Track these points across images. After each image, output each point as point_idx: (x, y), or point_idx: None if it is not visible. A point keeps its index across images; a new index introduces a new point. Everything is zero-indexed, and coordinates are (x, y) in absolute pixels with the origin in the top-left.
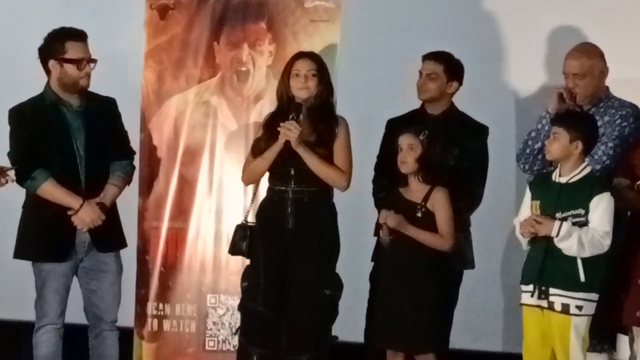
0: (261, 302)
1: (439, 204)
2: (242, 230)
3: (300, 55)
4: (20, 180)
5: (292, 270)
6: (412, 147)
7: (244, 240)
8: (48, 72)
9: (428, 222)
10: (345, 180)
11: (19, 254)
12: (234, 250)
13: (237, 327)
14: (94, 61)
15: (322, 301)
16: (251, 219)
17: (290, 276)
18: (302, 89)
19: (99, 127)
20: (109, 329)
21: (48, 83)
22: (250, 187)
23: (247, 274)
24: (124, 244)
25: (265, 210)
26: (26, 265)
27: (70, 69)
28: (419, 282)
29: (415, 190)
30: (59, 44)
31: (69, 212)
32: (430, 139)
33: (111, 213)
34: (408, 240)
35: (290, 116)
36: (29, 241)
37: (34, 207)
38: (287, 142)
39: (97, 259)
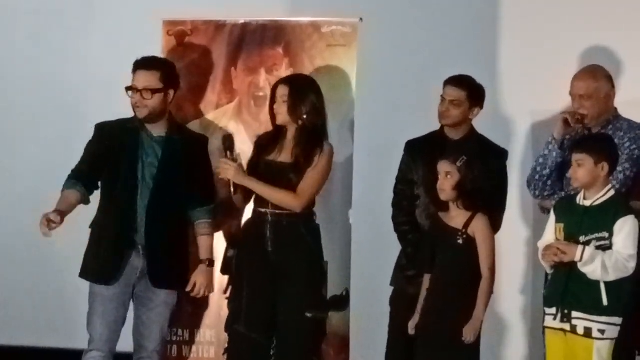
0: (244, 324)
1: (481, 233)
2: (231, 249)
3: (279, 82)
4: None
5: (275, 293)
6: (450, 175)
7: (233, 260)
8: None
9: (469, 249)
10: (298, 202)
11: (81, 272)
12: (225, 269)
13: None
14: (153, 91)
15: (306, 324)
16: None
17: (274, 299)
18: (278, 114)
19: (177, 160)
20: (148, 357)
21: None
22: None
23: (232, 296)
24: (179, 286)
25: (247, 231)
26: None
27: (131, 96)
28: (462, 303)
29: (455, 215)
30: (133, 71)
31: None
32: (468, 165)
33: (177, 251)
34: (449, 266)
35: (226, 152)
36: (85, 259)
37: (94, 226)
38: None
39: (149, 287)
